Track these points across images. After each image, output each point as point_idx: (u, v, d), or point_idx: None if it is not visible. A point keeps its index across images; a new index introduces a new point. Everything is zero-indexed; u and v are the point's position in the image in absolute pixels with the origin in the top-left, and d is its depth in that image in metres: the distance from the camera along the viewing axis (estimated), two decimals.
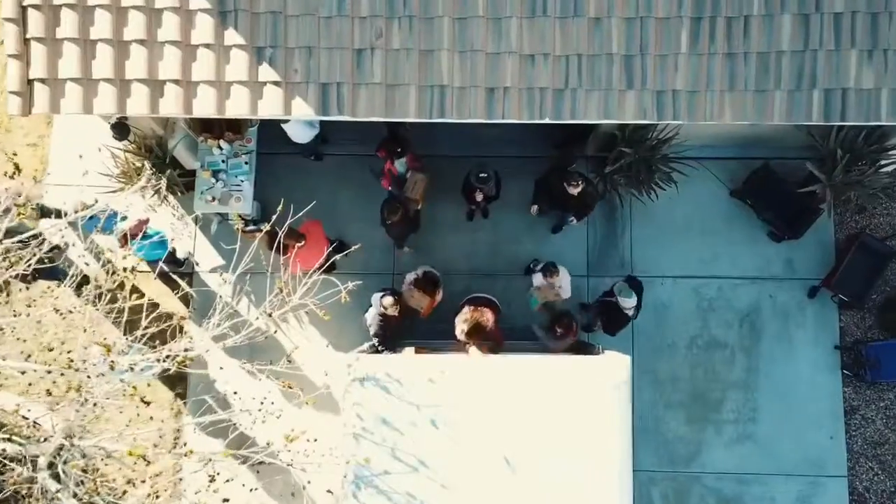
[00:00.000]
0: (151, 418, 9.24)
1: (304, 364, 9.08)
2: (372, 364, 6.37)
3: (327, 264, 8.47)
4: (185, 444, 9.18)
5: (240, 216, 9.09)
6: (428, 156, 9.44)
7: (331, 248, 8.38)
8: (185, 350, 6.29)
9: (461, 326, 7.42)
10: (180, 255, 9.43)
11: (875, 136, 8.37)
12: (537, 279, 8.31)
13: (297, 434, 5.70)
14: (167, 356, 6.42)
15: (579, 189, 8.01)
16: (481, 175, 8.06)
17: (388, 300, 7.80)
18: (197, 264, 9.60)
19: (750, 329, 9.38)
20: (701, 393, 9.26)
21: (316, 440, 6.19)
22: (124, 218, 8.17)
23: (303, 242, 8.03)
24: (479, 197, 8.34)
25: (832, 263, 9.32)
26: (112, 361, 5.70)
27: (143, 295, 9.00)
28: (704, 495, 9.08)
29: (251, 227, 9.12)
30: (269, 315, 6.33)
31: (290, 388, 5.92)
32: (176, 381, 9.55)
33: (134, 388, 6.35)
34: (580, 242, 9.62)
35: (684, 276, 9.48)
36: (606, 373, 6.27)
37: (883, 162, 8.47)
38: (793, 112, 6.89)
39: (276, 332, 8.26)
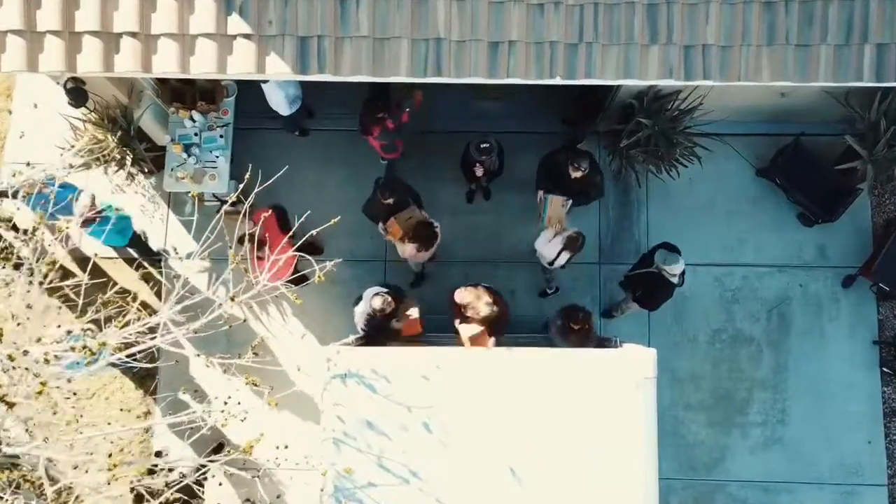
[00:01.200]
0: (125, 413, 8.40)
1: (281, 358, 8.24)
2: (355, 358, 5.49)
3: (296, 276, 7.63)
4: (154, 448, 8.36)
5: (216, 197, 8.25)
6: (425, 132, 8.60)
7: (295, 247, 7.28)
8: (144, 331, 5.40)
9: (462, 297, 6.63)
10: (153, 245, 8.58)
11: None
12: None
13: (256, 441, 4.83)
14: (126, 345, 5.57)
15: (582, 173, 7.11)
16: (482, 145, 7.17)
17: (378, 302, 6.92)
18: (169, 253, 8.72)
19: (778, 322, 8.50)
20: (724, 393, 8.39)
21: (287, 447, 5.32)
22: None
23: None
24: (480, 172, 7.46)
25: (869, 250, 8.44)
26: (47, 353, 4.83)
27: (108, 283, 8.17)
28: None
29: (230, 209, 8.32)
30: (232, 300, 5.46)
31: (255, 385, 5.07)
32: (146, 380, 8.71)
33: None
34: (591, 227, 8.68)
35: (706, 263, 8.60)
36: (629, 368, 5.40)
37: None
38: (840, 70, 6.00)
39: (245, 320, 7.39)
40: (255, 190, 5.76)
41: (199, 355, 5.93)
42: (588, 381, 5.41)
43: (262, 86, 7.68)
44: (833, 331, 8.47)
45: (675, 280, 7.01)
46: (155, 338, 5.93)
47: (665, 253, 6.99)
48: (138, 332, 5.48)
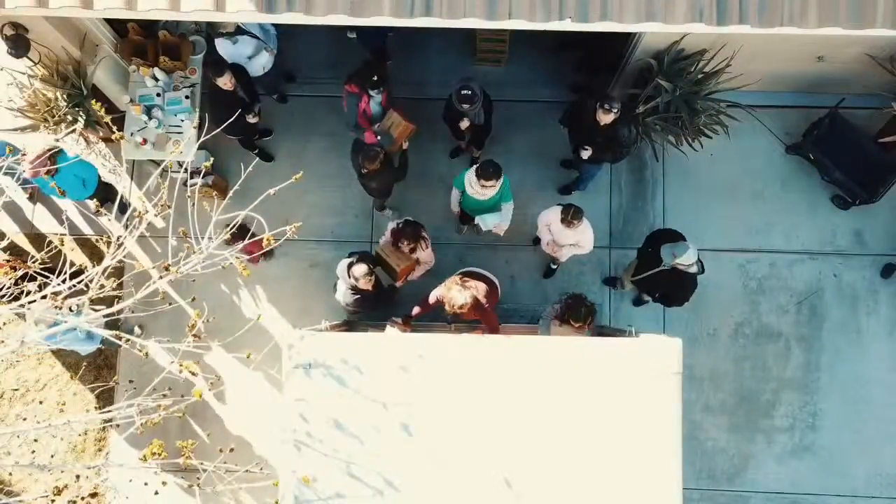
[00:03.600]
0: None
1: (246, 346, 7.37)
2: (322, 345, 4.57)
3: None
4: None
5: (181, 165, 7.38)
6: (414, 99, 7.71)
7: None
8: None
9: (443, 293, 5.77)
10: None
11: None
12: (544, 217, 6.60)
13: (187, 444, 3.95)
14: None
15: (614, 116, 6.24)
16: (463, 91, 6.24)
17: (361, 269, 6.05)
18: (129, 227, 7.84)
19: (809, 316, 7.59)
20: (748, 394, 7.49)
21: (232, 450, 4.43)
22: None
23: None
24: (465, 125, 6.56)
25: None
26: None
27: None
28: None
29: (196, 181, 7.45)
30: (167, 269, 4.60)
31: (193, 374, 4.20)
32: (103, 371, 7.85)
33: None
34: (602, 207, 7.83)
35: (728, 249, 7.70)
36: (652, 360, 4.49)
37: None
38: None
39: (193, 299, 6.49)
40: (234, 188, 4.90)
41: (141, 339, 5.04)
42: (600, 375, 4.51)
43: (215, 42, 6.85)
44: (871, 326, 7.56)
45: (693, 270, 6.10)
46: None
47: (671, 246, 6.03)
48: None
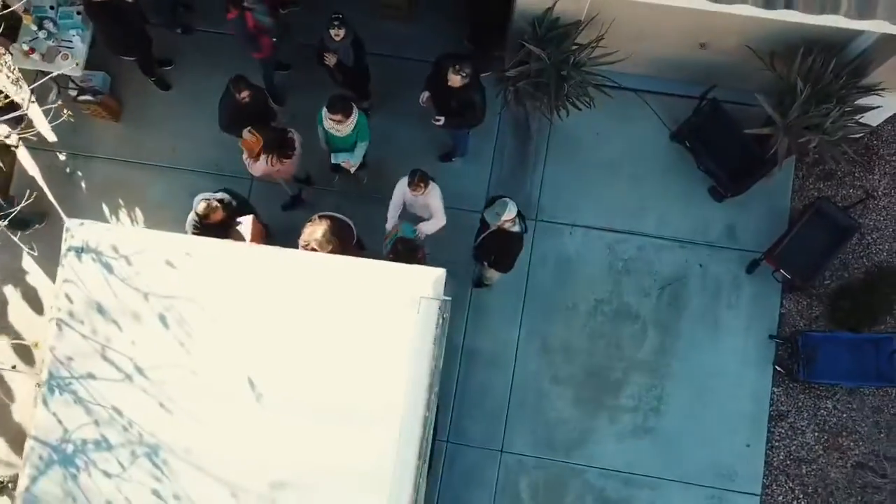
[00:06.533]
0: None
1: None
2: (96, 233, 4.77)
3: None
4: None
5: (75, 83, 7.61)
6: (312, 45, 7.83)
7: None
8: None
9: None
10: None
11: (848, 69, 6.63)
12: (400, 186, 6.71)
13: None
14: None
15: (461, 80, 6.38)
16: (335, 16, 6.45)
17: (202, 206, 6.21)
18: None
19: (670, 302, 7.65)
20: (598, 370, 7.56)
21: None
22: None
23: None
24: (332, 60, 6.69)
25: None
26: None
27: None
28: (582, 493, 7.37)
29: (85, 98, 7.69)
30: None
31: None
32: None
33: None
34: (482, 174, 7.95)
35: (599, 227, 7.78)
36: (407, 285, 4.61)
37: (852, 105, 6.70)
38: None
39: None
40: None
41: None
42: (358, 294, 4.65)
43: None
44: (729, 319, 7.60)
45: (516, 228, 6.21)
46: None
47: (493, 207, 6.17)
48: None
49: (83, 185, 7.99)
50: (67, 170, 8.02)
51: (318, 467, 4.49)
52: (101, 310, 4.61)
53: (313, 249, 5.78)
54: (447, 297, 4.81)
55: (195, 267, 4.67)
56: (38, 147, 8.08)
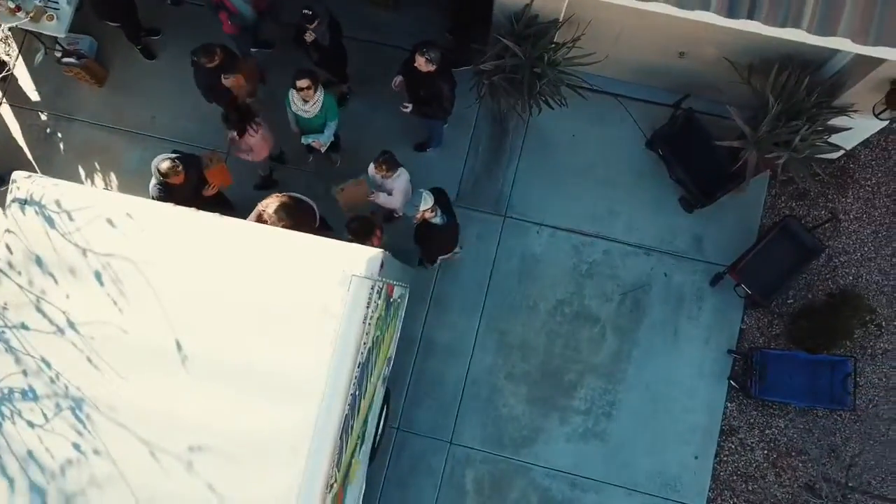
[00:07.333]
0: None
1: None
2: (41, 187, 4.84)
3: None
4: None
5: (62, 46, 7.70)
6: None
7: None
8: None
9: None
10: None
11: (821, 88, 6.59)
12: (371, 169, 6.77)
13: None
14: None
15: (427, 64, 6.43)
16: (305, 11, 6.49)
17: (165, 165, 6.28)
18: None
19: (632, 308, 7.64)
20: (553, 370, 7.56)
21: None
22: None
23: None
24: (310, 37, 6.74)
25: None
26: None
27: None
28: (527, 492, 7.38)
29: (69, 60, 7.77)
30: None
31: None
32: None
33: None
34: (456, 165, 7.98)
35: (567, 228, 7.78)
36: (338, 261, 4.64)
37: (822, 125, 6.66)
38: None
39: None
40: None
41: None
42: (293, 267, 4.68)
43: None
44: (689, 330, 7.58)
45: (437, 220, 6.32)
46: None
47: (410, 201, 6.38)
48: None
49: (62, 146, 8.08)
50: (48, 130, 8.11)
51: (238, 435, 4.54)
52: (39, 262, 4.67)
53: (264, 222, 5.84)
54: (382, 278, 4.84)
55: (134, 228, 4.73)
56: (21, 105, 8.19)
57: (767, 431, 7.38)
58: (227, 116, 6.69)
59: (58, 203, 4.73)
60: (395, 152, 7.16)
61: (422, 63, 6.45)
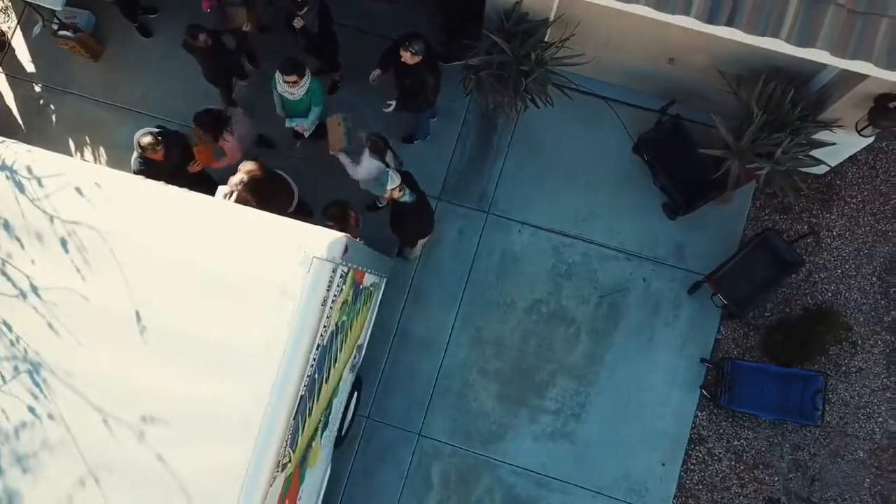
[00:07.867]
0: None
1: None
2: (14, 152, 4.90)
3: None
4: None
5: (59, 19, 7.78)
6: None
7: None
8: None
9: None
10: None
11: (807, 101, 6.58)
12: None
13: None
14: None
15: (411, 57, 6.47)
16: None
17: (146, 139, 6.36)
18: None
19: (608, 311, 7.65)
20: (526, 368, 7.57)
21: None
22: None
23: None
24: (298, 24, 6.80)
25: None
26: None
27: None
28: (493, 488, 7.39)
29: (64, 33, 7.84)
30: None
31: None
32: None
33: None
34: (443, 158, 8.01)
35: (548, 229, 7.79)
36: (300, 243, 4.66)
37: (806, 138, 6.65)
38: None
39: None
40: None
41: None
42: (256, 246, 4.72)
43: None
44: (664, 337, 7.58)
45: (406, 198, 6.38)
46: None
47: (377, 182, 6.38)
48: None
49: (54, 118, 8.15)
50: (41, 102, 8.19)
51: (191, 408, 4.57)
52: (6, 226, 4.74)
53: (231, 193, 5.89)
54: (345, 262, 4.86)
55: (102, 198, 4.78)
56: (16, 76, 8.27)
57: (735, 443, 7.37)
58: (200, 117, 6.78)
59: (29, 169, 4.79)
60: (390, 137, 7.25)
61: (407, 57, 6.49)
